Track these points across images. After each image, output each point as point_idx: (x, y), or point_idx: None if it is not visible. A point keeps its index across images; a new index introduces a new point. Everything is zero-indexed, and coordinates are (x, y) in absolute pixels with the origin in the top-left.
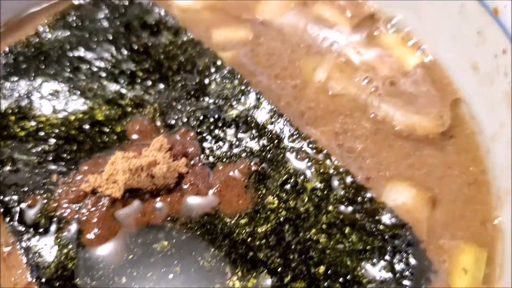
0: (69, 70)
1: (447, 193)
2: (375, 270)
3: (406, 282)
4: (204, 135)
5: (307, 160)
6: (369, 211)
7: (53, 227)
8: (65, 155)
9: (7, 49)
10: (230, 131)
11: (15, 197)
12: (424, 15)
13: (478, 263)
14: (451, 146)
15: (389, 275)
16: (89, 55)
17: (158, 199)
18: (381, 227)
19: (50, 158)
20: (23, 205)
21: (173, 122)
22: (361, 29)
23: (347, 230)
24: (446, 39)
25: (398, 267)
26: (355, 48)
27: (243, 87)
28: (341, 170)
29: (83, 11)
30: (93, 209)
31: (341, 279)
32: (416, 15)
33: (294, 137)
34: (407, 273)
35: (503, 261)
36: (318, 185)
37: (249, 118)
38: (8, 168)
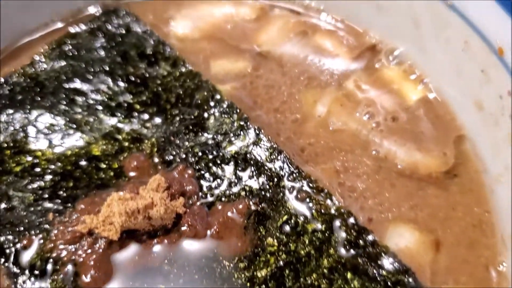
0: (65, 102)
1: (450, 235)
2: None
3: None
4: (203, 172)
5: (307, 200)
6: (372, 255)
7: (49, 269)
8: (61, 192)
9: (2, 79)
10: (229, 169)
11: (10, 237)
12: (428, 49)
13: None
14: (455, 186)
15: None
16: (85, 87)
17: (155, 240)
18: (384, 272)
19: (46, 196)
20: (18, 245)
21: (171, 158)
22: (362, 61)
23: (349, 275)
24: (449, 74)
25: None
26: (356, 81)
27: (242, 123)
28: (342, 211)
29: (79, 39)
30: (89, 251)
31: None
32: (419, 48)
33: (294, 175)
34: None
35: None
36: (319, 226)
37: (248, 155)
38: (3, 205)
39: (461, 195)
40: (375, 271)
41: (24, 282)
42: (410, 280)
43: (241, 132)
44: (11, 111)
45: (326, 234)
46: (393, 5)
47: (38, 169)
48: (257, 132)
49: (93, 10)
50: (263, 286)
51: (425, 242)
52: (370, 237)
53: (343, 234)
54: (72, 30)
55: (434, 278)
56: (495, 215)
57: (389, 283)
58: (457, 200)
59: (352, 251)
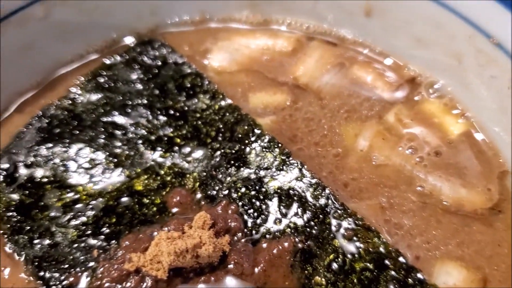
0: (104, 136)
1: (497, 273)
2: None
3: None
4: (246, 208)
5: (354, 238)
6: None
7: None
8: (104, 228)
9: (40, 112)
10: (273, 204)
11: (57, 275)
12: (470, 84)
13: None
14: (500, 222)
15: None
16: (123, 120)
17: (202, 278)
18: None
19: (89, 232)
20: (65, 283)
21: (213, 193)
22: (401, 93)
23: None
24: (493, 110)
25: None
26: (396, 114)
27: (284, 157)
28: (391, 249)
29: (115, 71)
30: (146, 285)
31: None
32: (461, 82)
33: (340, 212)
34: None
35: None
36: (368, 265)
37: (291, 191)
38: (47, 241)
39: (506, 232)
40: None
41: None
42: None
43: (283, 167)
44: (50, 144)
45: (375, 273)
46: (433, 39)
47: (80, 205)
48: (300, 167)
49: (128, 41)
50: None
51: (473, 281)
52: (419, 276)
53: (392, 273)
54: (107, 61)
55: None
56: None
57: None
58: (503, 236)
59: None
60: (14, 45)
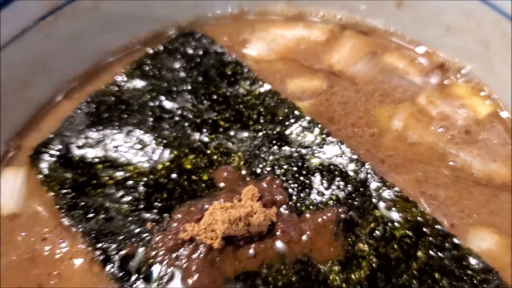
0: (152, 119)
1: None
2: None
3: None
4: (290, 183)
5: (393, 207)
6: (457, 257)
7: (154, 274)
8: (156, 203)
9: (88, 98)
10: (315, 179)
11: (113, 245)
12: (495, 68)
13: None
14: None
15: None
16: (170, 105)
17: (252, 245)
18: (469, 272)
19: (142, 206)
20: (122, 252)
21: (258, 170)
22: (432, 78)
23: (437, 275)
24: None
25: None
26: (428, 97)
27: (323, 136)
28: (428, 217)
29: (159, 60)
30: (193, 256)
31: None
32: (486, 67)
33: (379, 184)
34: None
35: None
36: (407, 232)
37: (332, 167)
38: (102, 216)
39: None
40: (461, 271)
41: (130, 286)
42: (495, 278)
43: (324, 145)
44: (100, 127)
45: (414, 239)
46: (462, 27)
47: (131, 182)
48: (340, 145)
49: (170, 32)
50: (358, 287)
51: (504, 245)
52: (455, 241)
53: (430, 239)
54: (150, 51)
55: None
56: None
57: (475, 281)
58: None
59: (439, 254)
60: (64, 34)
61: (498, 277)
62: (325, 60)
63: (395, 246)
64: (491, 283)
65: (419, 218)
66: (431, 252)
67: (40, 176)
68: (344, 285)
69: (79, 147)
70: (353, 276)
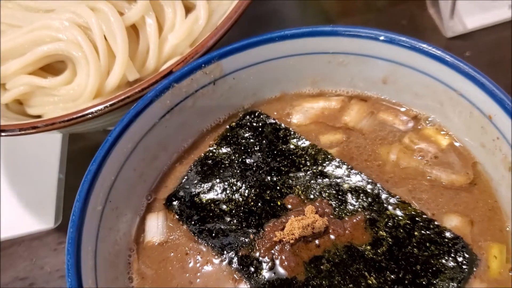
0: (239, 171)
1: (478, 217)
2: (447, 263)
3: (464, 266)
4: (332, 201)
5: (397, 208)
6: (437, 232)
7: (263, 264)
8: (252, 222)
9: (195, 162)
10: (347, 197)
11: (233, 252)
12: (448, 117)
13: (502, 252)
14: (476, 189)
15: (454, 264)
16: (248, 160)
17: (316, 240)
18: (445, 239)
19: (244, 225)
20: (239, 255)
21: (311, 196)
22: (410, 126)
23: (427, 244)
24: (463, 129)
25: (459, 259)
26: (409, 138)
27: (349, 169)
28: (418, 212)
29: (235, 132)
30: (282, 251)
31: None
32: (443, 116)
33: (386, 195)
34: (464, 261)
35: None
36: (407, 221)
37: (357, 188)
38: (221, 235)
39: (480, 194)
40: (441, 240)
41: (249, 273)
42: (460, 241)
43: (350, 176)
44: (206, 180)
45: (411, 225)
46: (425, 93)
47: (233, 211)
48: (360, 175)
49: (239, 113)
50: (382, 257)
51: (465, 222)
52: (436, 223)
53: (421, 224)
54: (228, 127)
55: (473, 240)
56: (500, 202)
57: (450, 244)
58: (478, 197)
59: (427, 232)
60: (175, 123)
61: (463, 240)
62: (342, 120)
63: (401, 230)
64: (458, 244)
65: (413, 213)
66: (422, 231)
67: (175, 215)
68: (374, 256)
69: (196, 194)
70: (379, 251)
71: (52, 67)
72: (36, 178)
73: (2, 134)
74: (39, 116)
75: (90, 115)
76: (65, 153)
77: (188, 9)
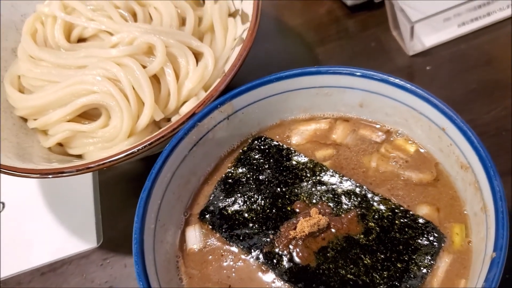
0: (254, 186)
1: (442, 205)
2: (422, 242)
3: (435, 243)
4: (330, 203)
5: (381, 204)
6: (412, 219)
7: (283, 257)
8: (270, 225)
9: (218, 182)
10: (342, 198)
11: (258, 250)
12: (413, 129)
13: (462, 230)
14: (439, 184)
15: (427, 242)
16: (261, 177)
17: (322, 235)
18: (419, 224)
19: (264, 228)
20: (264, 251)
21: (314, 200)
22: (385, 138)
23: (406, 229)
24: (425, 138)
25: (431, 238)
26: (385, 148)
27: (341, 177)
28: (396, 205)
29: (247, 155)
30: (296, 245)
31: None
32: (409, 129)
33: (371, 195)
34: (434, 240)
35: (471, 228)
36: (389, 213)
37: (348, 191)
38: (247, 238)
39: (442, 188)
40: (415, 224)
41: (273, 265)
42: (431, 225)
43: (342, 182)
44: (230, 196)
45: (392, 216)
46: (393, 113)
47: (254, 218)
48: (350, 180)
49: (248, 138)
50: (373, 242)
51: (432, 209)
52: (411, 213)
53: (399, 214)
54: (240, 150)
55: (440, 223)
56: (458, 193)
57: (422, 227)
58: (441, 190)
59: (405, 220)
60: (200, 154)
61: (432, 224)
62: (331, 138)
63: (385, 220)
64: (429, 227)
65: (393, 206)
66: (401, 220)
67: (209, 226)
68: (367, 242)
69: (223, 207)
70: (370, 238)
71: (85, 113)
72: (76, 206)
73: (63, 175)
74: (79, 155)
75: (136, 151)
76: (97, 182)
77: (196, 55)
